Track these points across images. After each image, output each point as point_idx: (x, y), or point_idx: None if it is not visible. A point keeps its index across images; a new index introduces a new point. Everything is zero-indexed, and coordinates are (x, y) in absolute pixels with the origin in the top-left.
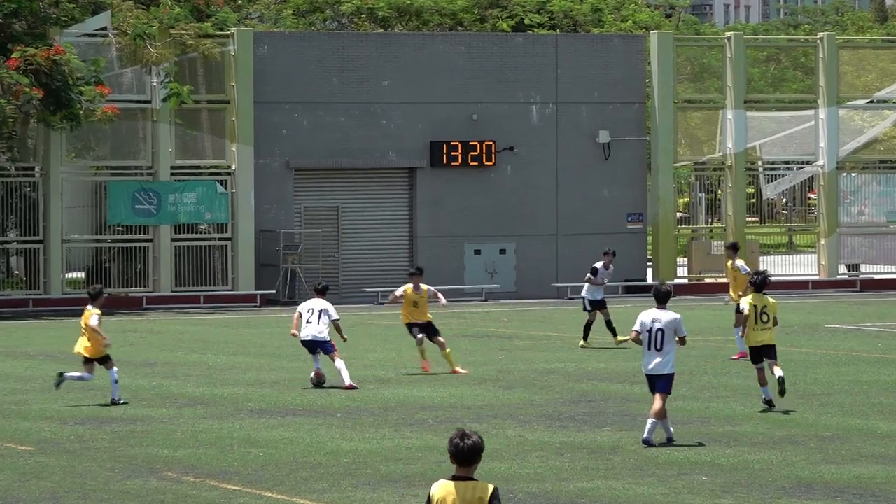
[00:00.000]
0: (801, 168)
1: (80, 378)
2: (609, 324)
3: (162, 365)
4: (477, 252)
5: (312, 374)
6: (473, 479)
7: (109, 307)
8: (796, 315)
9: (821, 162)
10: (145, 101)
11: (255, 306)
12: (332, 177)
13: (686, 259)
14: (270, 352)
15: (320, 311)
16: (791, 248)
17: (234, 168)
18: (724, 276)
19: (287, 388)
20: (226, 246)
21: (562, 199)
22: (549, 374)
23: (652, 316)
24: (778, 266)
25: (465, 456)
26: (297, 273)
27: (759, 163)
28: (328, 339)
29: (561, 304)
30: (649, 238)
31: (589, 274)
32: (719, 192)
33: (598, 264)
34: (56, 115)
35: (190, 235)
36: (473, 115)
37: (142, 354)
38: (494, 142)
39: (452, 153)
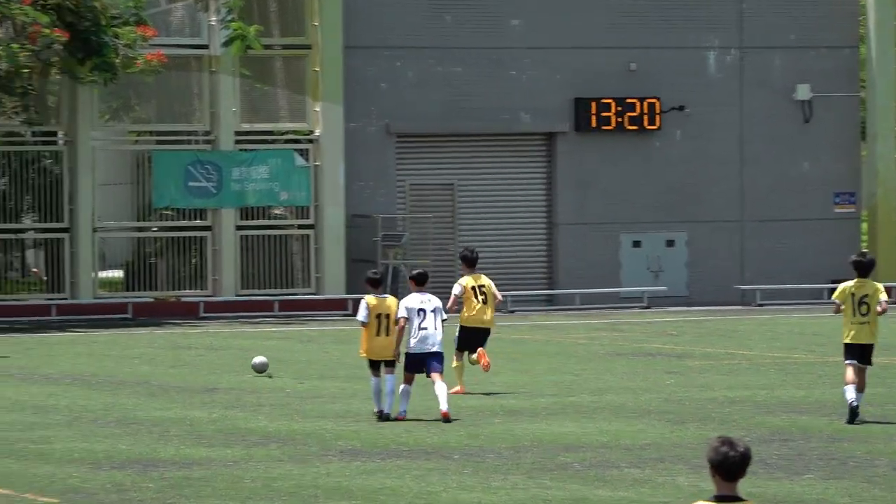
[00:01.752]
0: None
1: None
2: None
3: (224, 391)
4: (636, 244)
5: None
6: (742, 500)
7: (156, 315)
8: None
9: None
10: (201, 47)
11: (346, 314)
12: (446, 145)
13: None
14: (366, 375)
15: (434, 311)
16: None
17: (317, 134)
18: None
19: (389, 423)
20: (307, 236)
21: (748, 174)
22: (731, 405)
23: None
24: None
25: (734, 468)
26: (401, 271)
27: None
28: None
29: (747, 311)
30: (864, 225)
31: None
32: None
33: None
34: (85, 64)
35: (260, 222)
36: (631, 64)
37: (198, 377)
38: (659, 99)
39: (603, 114)
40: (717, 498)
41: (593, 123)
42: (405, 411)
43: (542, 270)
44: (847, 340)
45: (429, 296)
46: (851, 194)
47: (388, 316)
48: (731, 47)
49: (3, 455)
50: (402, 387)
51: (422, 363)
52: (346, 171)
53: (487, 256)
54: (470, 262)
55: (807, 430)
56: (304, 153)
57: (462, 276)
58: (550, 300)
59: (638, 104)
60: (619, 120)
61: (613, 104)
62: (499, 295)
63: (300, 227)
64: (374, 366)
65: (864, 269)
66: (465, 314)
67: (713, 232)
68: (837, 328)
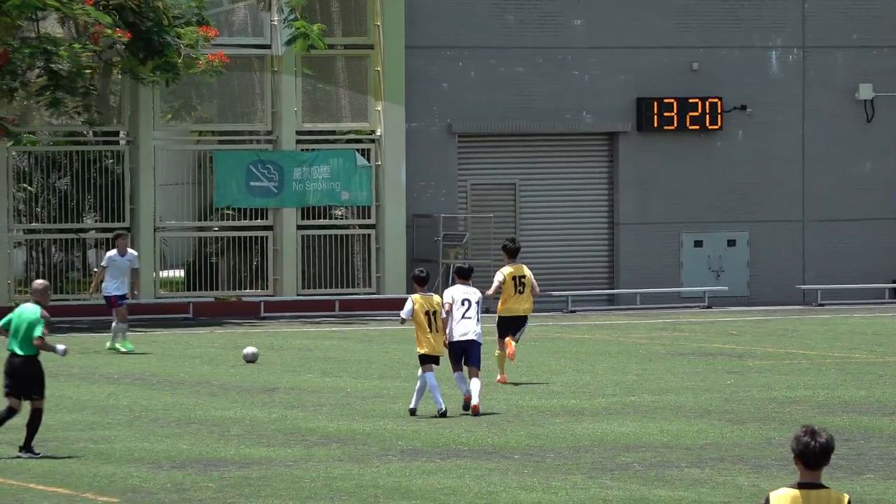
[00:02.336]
0: None
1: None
2: None
3: (285, 391)
4: (698, 244)
5: (463, 400)
6: (824, 487)
7: (216, 315)
8: None
9: None
10: (264, 47)
11: None
12: (508, 145)
13: None
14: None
15: (477, 302)
16: None
17: (379, 134)
18: None
19: (449, 423)
20: (368, 236)
21: (810, 174)
22: (792, 405)
23: None
24: None
25: (816, 457)
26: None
27: None
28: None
29: (808, 311)
30: None
31: None
32: None
33: None
34: (146, 64)
35: (322, 222)
36: (693, 63)
37: (259, 377)
38: (721, 99)
39: (666, 114)
40: (800, 485)
41: (655, 123)
42: (468, 390)
43: (603, 270)
44: None
45: (473, 289)
46: None
47: (435, 313)
48: (793, 47)
49: (63, 454)
50: (455, 375)
51: (463, 352)
52: (408, 171)
53: (549, 256)
54: (511, 253)
55: (867, 430)
56: (365, 153)
57: (504, 266)
58: (611, 300)
59: (700, 104)
60: (681, 120)
61: (675, 104)
62: (537, 287)
63: (361, 227)
64: (427, 361)
65: None
66: (502, 304)
67: (774, 232)
68: None
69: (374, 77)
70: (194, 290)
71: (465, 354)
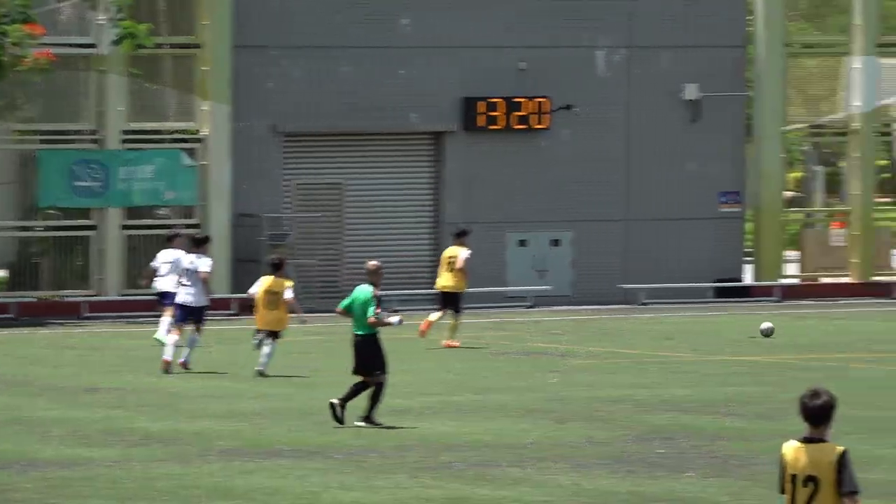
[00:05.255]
0: None
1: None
2: None
3: (106, 391)
4: (522, 243)
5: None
6: (824, 441)
7: (40, 314)
8: None
9: None
10: (89, 45)
11: (231, 314)
12: (334, 145)
13: (798, 252)
14: (250, 374)
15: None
16: None
17: (204, 133)
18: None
19: (271, 422)
20: (193, 236)
21: (634, 174)
22: (614, 404)
23: None
24: None
25: (814, 415)
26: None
27: (895, 126)
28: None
29: (631, 311)
30: (748, 225)
31: None
32: (841, 164)
33: None
34: None
35: (146, 222)
36: (520, 63)
37: (81, 377)
38: (548, 98)
39: (492, 113)
40: (804, 439)
41: (482, 123)
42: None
43: (428, 269)
44: None
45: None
46: (737, 193)
47: (276, 293)
48: (619, 47)
49: None
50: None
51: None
52: (233, 171)
53: (374, 255)
54: (455, 236)
55: (689, 428)
56: (191, 153)
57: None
58: (437, 299)
59: (527, 103)
60: (508, 119)
61: (502, 103)
62: (459, 264)
63: (186, 226)
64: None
65: None
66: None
67: (598, 231)
68: (719, 326)
69: (201, 76)
70: (17, 290)
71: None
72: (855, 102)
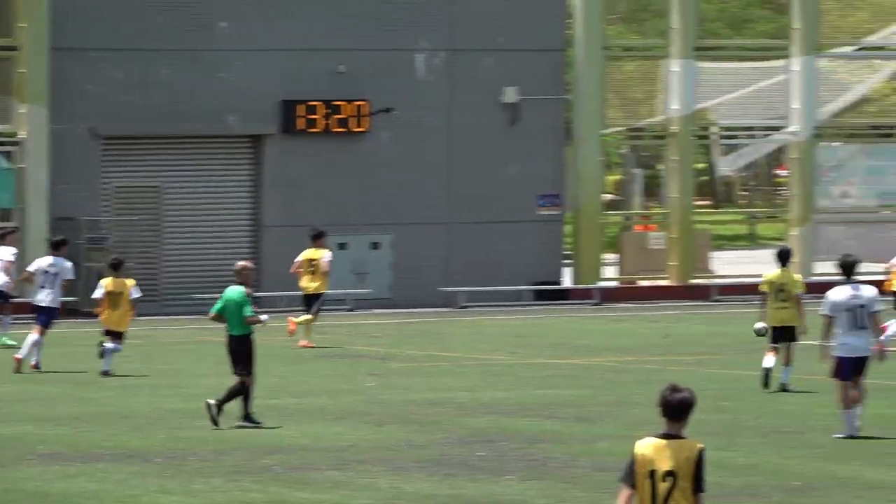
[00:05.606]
0: (767, 136)
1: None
2: None
3: None
4: (342, 246)
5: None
6: (682, 438)
7: None
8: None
9: (793, 128)
10: None
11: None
12: (152, 148)
13: (617, 255)
14: (70, 378)
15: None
16: (753, 241)
17: (22, 136)
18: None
19: (91, 426)
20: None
21: (454, 176)
22: (433, 407)
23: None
24: (736, 264)
25: (674, 410)
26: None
27: (713, 129)
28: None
29: (451, 314)
30: (568, 228)
31: None
32: (660, 167)
33: None
34: None
35: None
36: (340, 66)
37: None
38: (368, 101)
39: (311, 116)
40: (661, 435)
41: (301, 126)
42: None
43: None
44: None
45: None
46: (556, 196)
47: (121, 294)
48: (439, 49)
49: None
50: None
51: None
52: (51, 174)
53: (193, 258)
54: (312, 238)
55: (508, 431)
56: (7, 155)
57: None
58: (256, 302)
59: (346, 106)
60: (327, 122)
61: (321, 106)
62: (323, 266)
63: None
64: (107, 333)
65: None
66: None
67: (419, 234)
68: (538, 329)
69: (18, 79)
70: None
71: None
72: (673, 106)
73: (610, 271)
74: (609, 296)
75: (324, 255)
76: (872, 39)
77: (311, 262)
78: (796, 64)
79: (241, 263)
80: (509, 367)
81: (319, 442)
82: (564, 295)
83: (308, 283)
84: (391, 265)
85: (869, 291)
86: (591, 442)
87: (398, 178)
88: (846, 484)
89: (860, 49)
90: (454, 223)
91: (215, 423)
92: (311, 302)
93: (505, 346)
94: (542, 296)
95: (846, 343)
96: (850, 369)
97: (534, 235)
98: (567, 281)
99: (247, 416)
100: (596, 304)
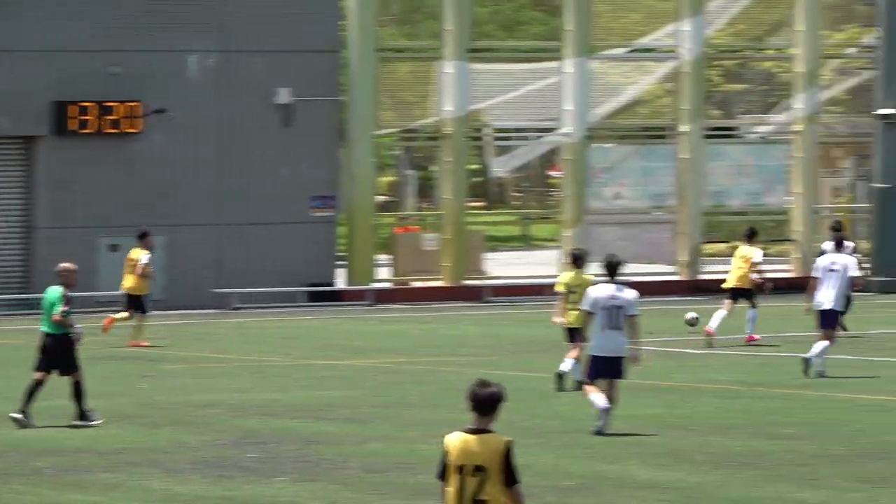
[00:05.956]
0: (540, 137)
1: None
2: None
3: None
4: (114, 248)
5: None
6: (490, 432)
7: None
8: (534, 329)
9: (566, 129)
10: None
11: None
12: None
13: (391, 256)
14: None
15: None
16: (527, 242)
17: None
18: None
19: None
20: None
21: (227, 177)
22: (205, 408)
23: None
24: (510, 265)
25: (482, 404)
26: None
27: (487, 130)
28: None
29: (223, 315)
30: (342, 229)
31: None
32: (434, 168)
33: None
34: None
35: None
36: (113, 67)
37: None
38: (141, 102)
39: (84, 117)
40: (469, 430)
41: (73, 127)
42: None
43: (18, 274)
44: None
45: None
46: (330, 198)
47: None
48: (213, 50)
49: None
50: None
51: None
52: None
53: None
54: (138, 238)
55: (280, 432)
56: None
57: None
58: (28, 305)
59: (118, 107)
60: (100, 123)
61: (94, 107)
62: (138, 268)
63: None
64: None
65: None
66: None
67: (191, 236)
68: (310, 331)
69: None
70: None
71: None
72: (447, 107)
73: (384, 272)
74: (383, 297)
75: (141, 257)
76: (644, 42)
77: (131, 262)
78: (569, 66)
79: (62, 265)
80: (282, 369)
81: (93, 444)
82: (338, 296)
83: (128, 284)
84: (163, 267)
85: (630, 294)
86: (363, 443)
87: (170, 179)
88: (619, 483)
89: (632, 51)
90: (225, 224)
91: (28, 426)
92: (130, 302)
93: (278, 347)
94: (315, 297)
95: (599, 342)
96: (601, 368)
97: (307, 237)
98: (340, 282)
99: (82, 416)
100: (369, 306)
